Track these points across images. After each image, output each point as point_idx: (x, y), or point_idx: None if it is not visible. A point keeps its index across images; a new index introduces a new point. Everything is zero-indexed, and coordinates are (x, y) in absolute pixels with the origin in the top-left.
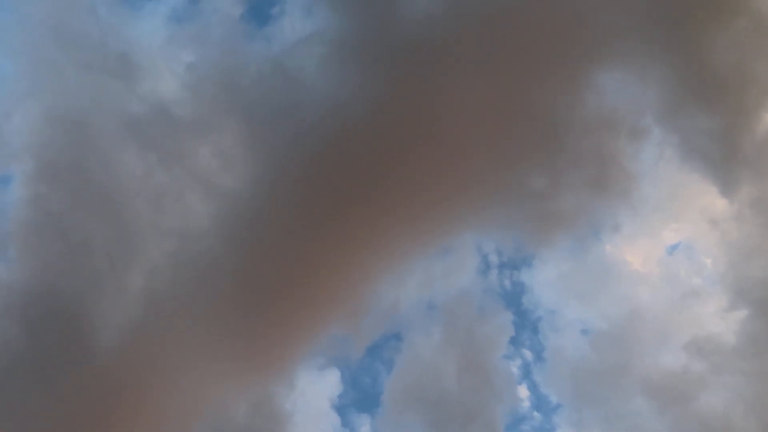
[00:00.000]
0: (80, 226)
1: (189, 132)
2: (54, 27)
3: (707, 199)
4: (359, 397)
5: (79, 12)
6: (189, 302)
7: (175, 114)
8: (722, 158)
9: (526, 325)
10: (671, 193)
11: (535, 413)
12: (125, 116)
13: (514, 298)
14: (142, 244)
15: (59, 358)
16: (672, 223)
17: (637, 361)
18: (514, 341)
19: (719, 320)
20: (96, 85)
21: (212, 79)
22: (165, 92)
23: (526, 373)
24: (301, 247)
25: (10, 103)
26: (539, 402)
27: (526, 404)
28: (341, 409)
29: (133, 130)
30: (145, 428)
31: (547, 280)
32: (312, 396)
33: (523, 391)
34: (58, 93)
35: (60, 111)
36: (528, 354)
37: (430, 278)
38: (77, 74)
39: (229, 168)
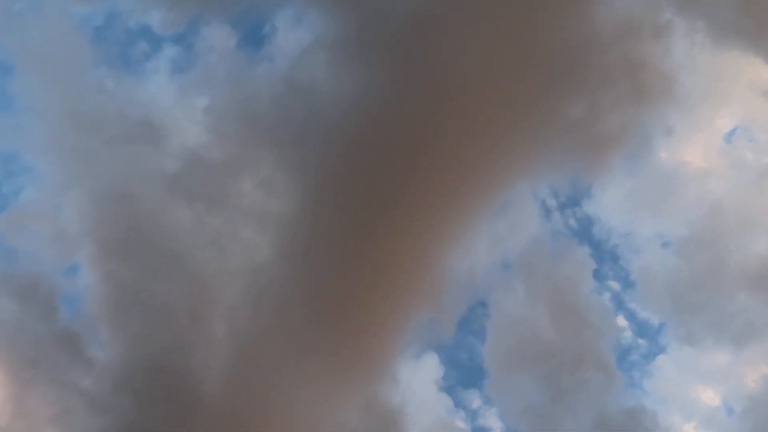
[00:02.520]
0: (155, 291)
1: (226, 171)
2: (71, 113)
3: (753, 72)
4: (462, 374)
5: (90, 92)
6: (274, 332)
7: (208, 158)
8: (757, 26)
9: (605, 255)
10: (713, 78)
11: (640, 340)
12: (164, 176)
13: (585, 233)
14: (217, 289)
15: (173, 417)
16: (722, 110)
17: (728, 258)
18: (598, 274)
19: None
20: (127, 156)
21: (231, 115)
22: (192, 141)
23: (620, 302)
24: (362, 247)
25: (56, 198)
26: (641, 328)
27: (629, 333)
28: (449, 390)
29: (174, 186)
30: None
31: (612, 205)
32: (418, 385)
33: (623, 321)
34: (95, 175)
35: (102, 191)
36: (615, 283)
37: (498, 238)
38: (107, 151)
39: (273, 194)
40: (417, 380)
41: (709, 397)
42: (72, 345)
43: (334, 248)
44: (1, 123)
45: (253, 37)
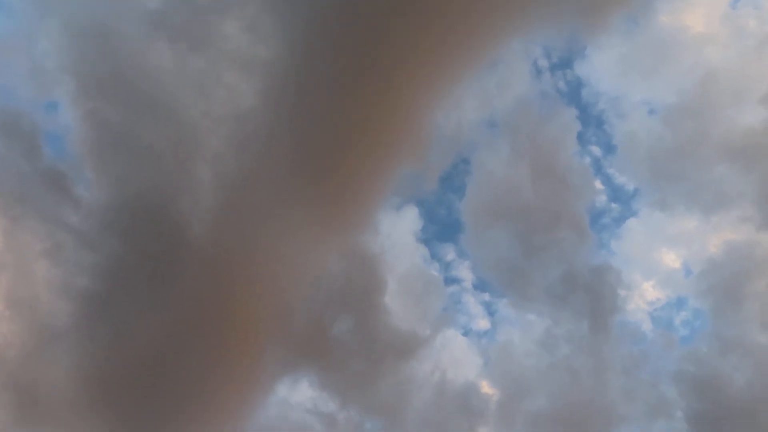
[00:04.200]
0: (138, 133)
1: (210, 11)
2: None
3: None
4: (440, 227)
5: None
6: (259, 180)
7: None
8: None
9: (591, 119)
10: None
11: (614, 205)
12: (145, 14)
13: (573, 95)
14: (201, 134)
15: (162, 255)
16: None
17: (713, 128)
18: (582, 137)
19: None
20: None
21: None
22: None
23: (600, 166)
24: (349, 98)
25: (31, 30)
26: (617, 192)
27: (605, 197)
28: (426, 242)
29: (156, 25)
30: (252, 300)
31: (604, 68)
32: (397, 236)
33: (600, 184)
34: (72, 6)
35: (81, 26)
36: (598, 147)
37: (486, 96)
38: None
39: (259, 39)
40: (396, 231)
41: (671, 259)
42: (58, 183)
43: (321, 98)
44: None
45: None
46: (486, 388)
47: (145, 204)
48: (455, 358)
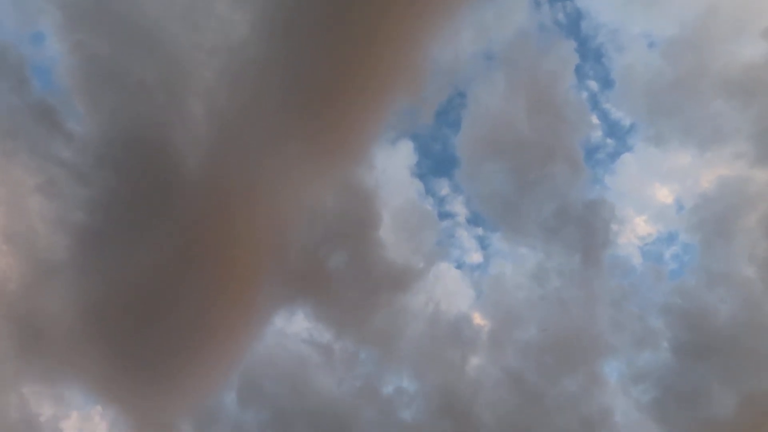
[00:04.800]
0: (127, 65)
1: None
2: None
3: None
4: (435, 162)
5: None
6: (252, 114)
7: None
8: None
9: (589, 52)
10: None
11: (609, 140)
12: None
13: (572, 28)
14: (192, 67)
15: (156, 189)
16: None
17: (713, 63)
18: (580, 71)
19: None
20: None
21: None
22: None
23: (597, 100)
24: (345, 30)
25: None
26: (613, 126)
27: (600, 132)
28: (421, 176)
29: None
30: (247, 233)
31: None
32: (392, 170)
33: (596, 119)
34: None
35: None
36: (595, 82)
37: (483, 28)
38: None
39: None
40: (391, 166)
41: (664, 194)
42: (48, 117)
43: (316, 30)
44: None
45: None
46: (478, 319)
47: (138, 138)
48: (448, 291)
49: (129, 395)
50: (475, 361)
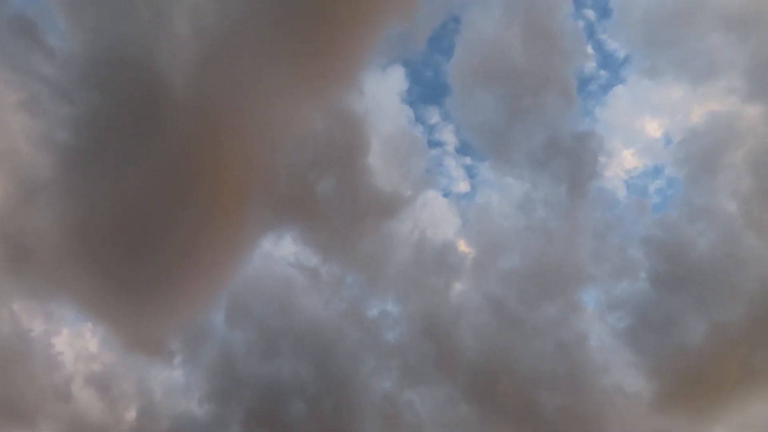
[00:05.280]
0: None
1: None
2: None
3: None
4: (426, 89)
5: None
6: (240, 35)
7: None
8: None
9: None
10: None
11: (602, 72)
12: None
13: None
14: None
15: (142, 109)
16: None
17: None
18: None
19: None
20: None
21: None
22: None
23: (593, 30)
24: None
25: None
26: (607, 58)
27: (594, 63)
28: (411, 103)
29: None
30: (236, 155)
31: None
32: (382, 96)
33: (591, 50)
34: None
35: None
36: (593, 11)
37: None
38: None
39: None
40: (381, 92)
41: (653, 128)
42: (29, 32)
43: None
44: None
45: None
46: (463, 246)
47: (122, 56)
48: (435, 218)
49: (119, 313)
50: (458, 287)
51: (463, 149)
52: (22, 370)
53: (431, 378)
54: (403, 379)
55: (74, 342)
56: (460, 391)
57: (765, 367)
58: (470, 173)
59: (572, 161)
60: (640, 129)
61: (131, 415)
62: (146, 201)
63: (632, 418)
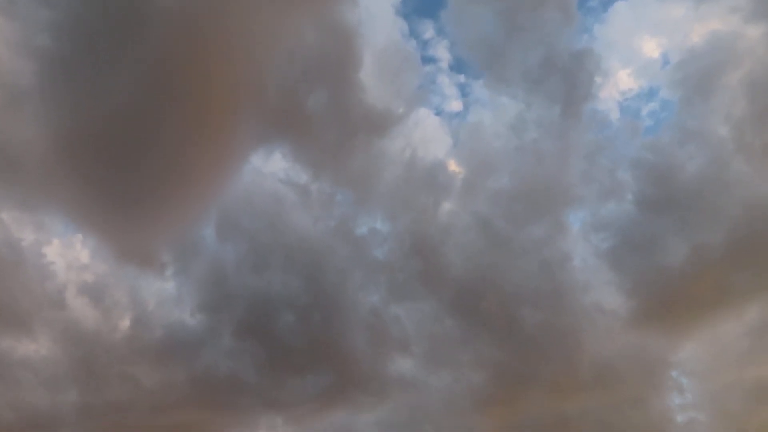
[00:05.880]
0: None
1: None
2: None
3: None
4: (422, 1)
5: None
6: None
7: None
8: None
9: None
10: None
11: None
12: None
13: None
14: None
15: (126, 15)
16: None
17: None
18: None
19: None
20: None
21: None
22: None
23: None
24: None
25: None
26: None
27: None
28: (406, 16)
29: None
30: (225, 66)
31: None
32: (376, 8)
33: None
34: None
35: None
36: None
37: None
38: None
39: None
40: (375, 3)
41: (652, 47)
42: None
43: None
44: None
45: None
46: (453, 166)
47: None
48: (426, 137)
49: (109, 225)
50: (447, 206)
51: (457, 67)
52: (14, 278)
53: (418, 294)
54: (390, 295)
55: (65, 252)
56: (446, 307)
57: (739, 288)
58: (463, 92)
59: (568, 81)
60: (638, 48)
61: (125, 323)
62: (133, 111)
63: (609, 333)
